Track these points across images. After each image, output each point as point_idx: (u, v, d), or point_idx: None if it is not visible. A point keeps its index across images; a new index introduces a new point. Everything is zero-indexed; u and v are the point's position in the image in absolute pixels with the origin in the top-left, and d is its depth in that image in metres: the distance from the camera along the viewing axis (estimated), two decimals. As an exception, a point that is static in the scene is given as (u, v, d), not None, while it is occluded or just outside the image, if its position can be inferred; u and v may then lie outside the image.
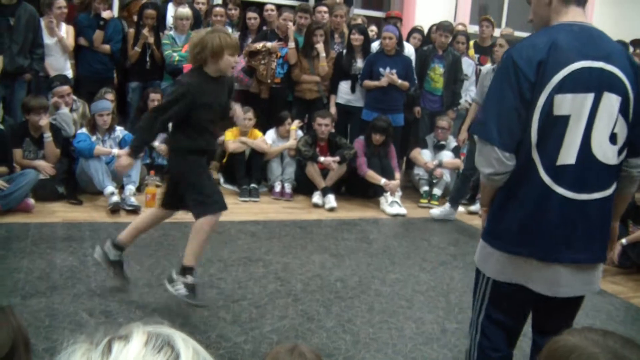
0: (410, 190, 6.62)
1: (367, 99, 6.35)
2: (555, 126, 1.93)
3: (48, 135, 5.14)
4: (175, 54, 6.17)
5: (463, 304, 3.79)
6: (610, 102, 1.95)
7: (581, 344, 0.94)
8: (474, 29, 8.07)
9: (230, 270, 4.02)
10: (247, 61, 6.24)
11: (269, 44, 6.24)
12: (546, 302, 2.09)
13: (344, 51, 6.48)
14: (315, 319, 3.42)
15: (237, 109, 3.67)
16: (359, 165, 6.06)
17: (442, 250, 4.90)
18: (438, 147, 6.53)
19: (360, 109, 6.39)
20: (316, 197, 5.91)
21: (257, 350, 2.99)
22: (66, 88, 5.55)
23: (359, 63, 6.35)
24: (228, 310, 3.42)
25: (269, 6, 6.70)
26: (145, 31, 6.16)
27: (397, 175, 6.17)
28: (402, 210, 5.85)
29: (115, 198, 5.04)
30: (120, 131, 5.52)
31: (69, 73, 6.01)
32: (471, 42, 7.29)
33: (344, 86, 6.44)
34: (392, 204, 5.88)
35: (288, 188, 6.04)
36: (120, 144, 5.46)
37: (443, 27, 6.51)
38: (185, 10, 6.30)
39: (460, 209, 5.95)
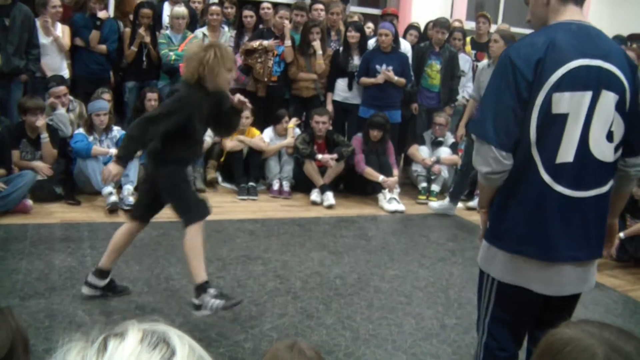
0: (409, 186, 6.62)
1: (364, 96, 6.35)
2: (553, 124, 1.93)
3: (45, 136, 5.14)
4: (171, 53, 6.16)
5: (462, 299, 3.80)
6: (608, 100, 1.95)
7: (577, 336, 0.94)
8: (470, 25, 8.07)
9: (229, 268, 4.02)
10: (244, 59, 6.23)
11: (265, 42, 6.23)
12: (547, 300, 2.10)
13: (341, 49, 6.47)
14: (314, 316, 3.42)
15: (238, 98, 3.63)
16: (356, 162, 6.06)
17: (441, 246, 4.90)
18: (436, 144, 6.53)
19: (358, 106, 6.39)
20: (314, 195, 5.91)
21: (257, 348, 3.00)
22: (63, 88, 5.54)
23: (356, 60, 6.35)
24: (227, 308, 3.42)
25: (265, 4, 6.69)
26: (141, 30, 6.14)
27: (395, 172, 6.18)
28: (400, 206, 5.86)
29: (113, 198, 5.04)
30: (117, 131, 5.51)
31: (66, 73, 5.99)
32: (468, 39, 7.29)
33: (341, 84, 6.44)
34: (391, 201, 5.89)
35: (286, 186, 6.05)
36: (118, 144, 5.45)
37: (440, 24, 6.52)
38: (181, 9, 6.30)
39: (459, 204, 5.95)
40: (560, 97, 1.91)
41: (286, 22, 6.36)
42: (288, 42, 6.29)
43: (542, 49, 1.92)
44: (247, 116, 6.00)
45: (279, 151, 6.18)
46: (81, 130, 5.35)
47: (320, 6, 6.70)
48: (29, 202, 4.82)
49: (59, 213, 4.88)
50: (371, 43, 6.52)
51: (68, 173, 5.39)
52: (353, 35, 6.31)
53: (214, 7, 6.56)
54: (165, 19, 6.55)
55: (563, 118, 1.92)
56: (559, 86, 1.90)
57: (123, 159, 3.15)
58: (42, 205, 4.96)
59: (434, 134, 6.52)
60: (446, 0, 8.93)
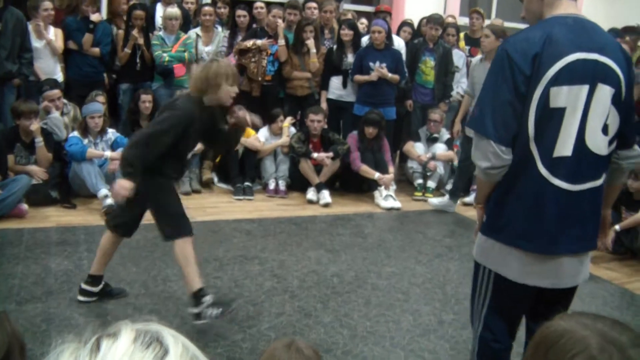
0: (404, 183, 6.63)
1: (358, 93, 6.35)
2: (551, 119, 1.93)
3: (39, 140, 5.12)
4: (165, 55, 6.15)
5: (459, 295, 3.80)
6: (604, 93, 1.96)
7: (571, 328, 0.95)
8: (464, 21, 8.08)
9: (226, 269, 4.02)
10: (238, 59, 6.22)
11: (259, 42, 6.23)
12: (543, 292, 2.11)
13: (335, 47, 6.47)
14: (312, 314, 3.43)
15: (242, 113, 3.63)
16: (352, 160, 6.06)
17: (438, 243, 4.91)
18: (431, 140, 6.54)
19: (352, 104, 6.39)
20: (310, 194, 5.91)
21: (255, 348, 3.00)
22: (56, 92, 5.52)
23: (350, 58, 6.35)
24: (225, 308, 3.42)
25: (258, 4, 6.68)
26: (134, 32, 6.13)
27: (391, 169, 6.18)
28: (396, 203, 5.86)
29: (109, 200, 5.01)
30: (112, 133, 5.50)
31: (59, 77, 5.98)
32: (461, 34, 7.29)
33: (335, 82, 6.44)
34: (387, 198, 5.90)
35: (282, 185, 6.05)
36: (112, 147, 5.45)
37: (433, 20, 6.52)
38: (174, 10, 6.28)
39: (455, 200, 5.97)
40: (558, 91, 1.91)
41: (279, 21, 6.36)
42: (282, 41, 6.29)
43: (539, 43, 1.91)
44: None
45: (274, 150, 6.17)
46: (76, 133, 5.34)
47: (314, 4, 6.70)
48: (25, 206, 4.81)
49: (54, 217, 4.87)
50: (364, 40, 6.52)
51: (63, 176, 5.37)
52: (347, 33, 6.31)
53: (206, 8, 6.55)
54: (158, 20, 6.54)
55: (561, 112, 1.93)
56: (557, 80, 1.91)
57: (133, 175, 3.02)
58: (38, 209, 4.95)
59: (429, 130, 6.53)
60: (439, -4, 8.93)
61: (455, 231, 5.27)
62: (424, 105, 6.64)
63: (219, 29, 6.65)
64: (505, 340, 2.21)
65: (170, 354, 0.70)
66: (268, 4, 6.78)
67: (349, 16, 7.05)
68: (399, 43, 6.64)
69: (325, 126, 6.19)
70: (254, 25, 6.59)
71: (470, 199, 5.99)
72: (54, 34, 5.93)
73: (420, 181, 6.36)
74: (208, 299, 3.13)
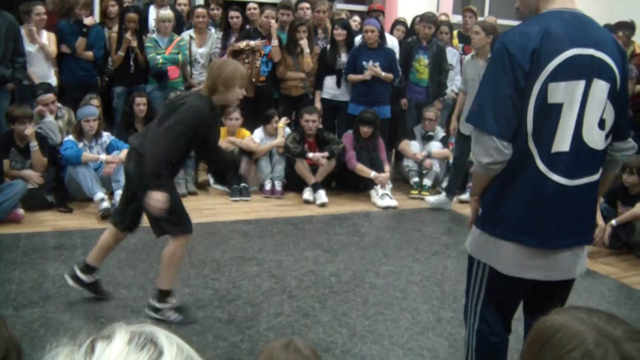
0: (400, 182, 6.64)
1: (352, 93, 6.36)
2: (549, 114, 1.94)
3: (34, 145, 5.11)
4: (159, 57, 6.14)
5: (457, 292, 3.81)
6: (600, 88, 1.96)
7: (567, 322, 0.95)
8: (457, 18, 8.09)
9: (224, 270, 4.02)
10: (231, 61, 6.22)
11: (252, 43, 6.22)
12: (540, 286, 2.12)
13: (328, 46, 6.47)
14: (310, 314, 3.43)
15: (244, 164, 3.61)
16: (348, 159, 6.07)
17: (435, 240, 4.92)
18: (426, 138, 6.55)
19: (347, 103, 6.39)
20: (307, 194, 5.91)
21: (254, 349, 3.00)
22: (50, 96, 5.51)
23: (344, 58, 6.35)
24: (223, 310, 3.42)
25: (251, 4, 6.68)
26: (128, 35, 6.12)
27: (387, 167, 6.19)
28: (393, 202, 5.87)
29: (106, 204, 5.01)
30: (107, 137, 5.49)
31: (53, 81, 5.96)
32: (455, 32, 7.31)
33: (330, 81, 6.44)
34: (383, 197, 5.90)
35: (278, 186, 6.05)
36: (108, 150, 5.44)
37: (426, 19, 6.52)
38: (167, 12, 6.27)
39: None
40: (556, 87, 1.91)
41: (272, 21, 6.35)
42: (275, 42, 6.28)
43: (538, 38, 1.91)
44: (236, 117, 5.99)
45: (269, 151, 6.17)
46: (71, 137, 5.33)
47: (306, 5, 6.70)
48: (21, 211, 4.80)
49: (51, 221, 4.86)
50: (358, 40, 6.53)
51: (59, 181, 5.36)
52: (340, 33, 6.32)
53: (199, 10, 6.55)
54: (152, 22, 6.53)
55: (558, 108, 1.93)
56: (555, 76, 1.91)
57: (163, 184, 2.98)
58: (34, 214, 4.94)
59: (424, 128, 6.54)
60: (432, -6, 8.94)
61: (452, 228, 5.28)
62: (418, 103, 6.65)
63: (212, 30, 6.65)
64: (502, 333, 2.22)
65: (165, 355, 0.70)
66: (261, 5, 6.78)
67: (343, 16, 7.05)
68: (392, 42, 6.65)
69: (320, 126, 6.19)
70: (247, 26, 6.59)
71: (466, 196, 6.00)
72: (47, 38, 5.92)
73: (416, 179, 6.37)
74: (174, 302, 3.23)
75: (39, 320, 3.16)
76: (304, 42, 6.28)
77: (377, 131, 6.11)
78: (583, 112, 1.95)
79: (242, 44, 6.20)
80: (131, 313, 3.32)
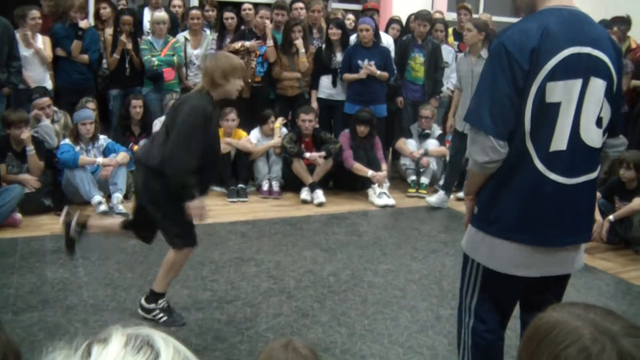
0: (398, 180, 6.64)
1: (348, 92, 6.36)
2: (547, 114, 1.93)
3: (31, 149, 5.10)
4: (154, 59, 6.14)
5: (456, 290, 3.78)
6: (597, 86, 1.96)
7: (563, 319, 0.95)
8: (452, 16, 8.09)
9: (222, 271, 4.02)
10: (227, 62, 6.21)
11: (247, 43, 6.22)
12: (536, 282, 2.12)
13: (323, 46, 6.48)
14: (309, 314, 3.43)
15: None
16: (345, 158, 6.07)
17: (433, 238, 4.92)
18: (423, 136, 6.55)
19: (343, 102, 6.39)
20: (304, 193, 5.91)
21: (254, 350, 3.00)
22: (46, 100, 5.51)
23: (339, 57, 6.35)
24: (222, 311, 3.42)
25: (246, 5, 6.68)
26: (123, 37, 6.12)
27: (384, 166, 6.19)
28: (390, 201, 5.87)
29: (103, 207, 5.01)
30: (103, 140, 5.49)
31: (49, 84, 5.96)
32: (450, 30, 7.31)
33: (325, 81, 6.44)
34: (381, 195, 5.90)
35: (276, 186, 6.05)
36: (104, 153, 5.43)
37: (421, 17, 6.53)
38: (161, 14, 6.27)
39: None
40: (554, 86, 1.91)
41: (267, 22, 6.35)
42: (270, 42, 6.28)
43: (536, 36, 1.90)
44: (233, 118, 5.99)
45: (266, 152, 6.17)
46: (67, 140, 5.32)
47: (301, 4, 6.70)
48: (18, 215, 4.79)
49: (48, 225, 4.85)
50: (353, 39, 6.53)
51: (56, 184, 5.35)
52: (335, 32, 6.32)
53: (194, 11, 6.55)
54: (146, 24, 6.52)
55: (556, 107, 1.93)
56: (553, 75, 1.90)
57: (194, 194, 2.98)
58: (31, 218, 4.93)
59: (420, 126, 6.54)
60: (426, -8, 8.94)
61: (450, 226, 5.28)
62: (414, 101, 6.65)
63: (207, 31, 6.65)
64: (497, 331, 2.22)
65: (162, 357, 0.70)
66: (255, 5, 6.78)
67: (339, 15, 7.05)
68: (387, 40, 6.65)
69: (317, 125, 6.19)
70: (242, 27, 6.59)
71: (463, 194, 6.01)
72: (42, 42, 5.91)
73: (413, 178, 6.37)
74: (165, 305, 3.27)
75: (38, 325, 3.16)
76: (299, 42, 6.28)
77: (374, 130, 6.11)
78: (580, 110, 1.95)
79: (237, 45, 6.20)
80: (130, 316, 3.32)
